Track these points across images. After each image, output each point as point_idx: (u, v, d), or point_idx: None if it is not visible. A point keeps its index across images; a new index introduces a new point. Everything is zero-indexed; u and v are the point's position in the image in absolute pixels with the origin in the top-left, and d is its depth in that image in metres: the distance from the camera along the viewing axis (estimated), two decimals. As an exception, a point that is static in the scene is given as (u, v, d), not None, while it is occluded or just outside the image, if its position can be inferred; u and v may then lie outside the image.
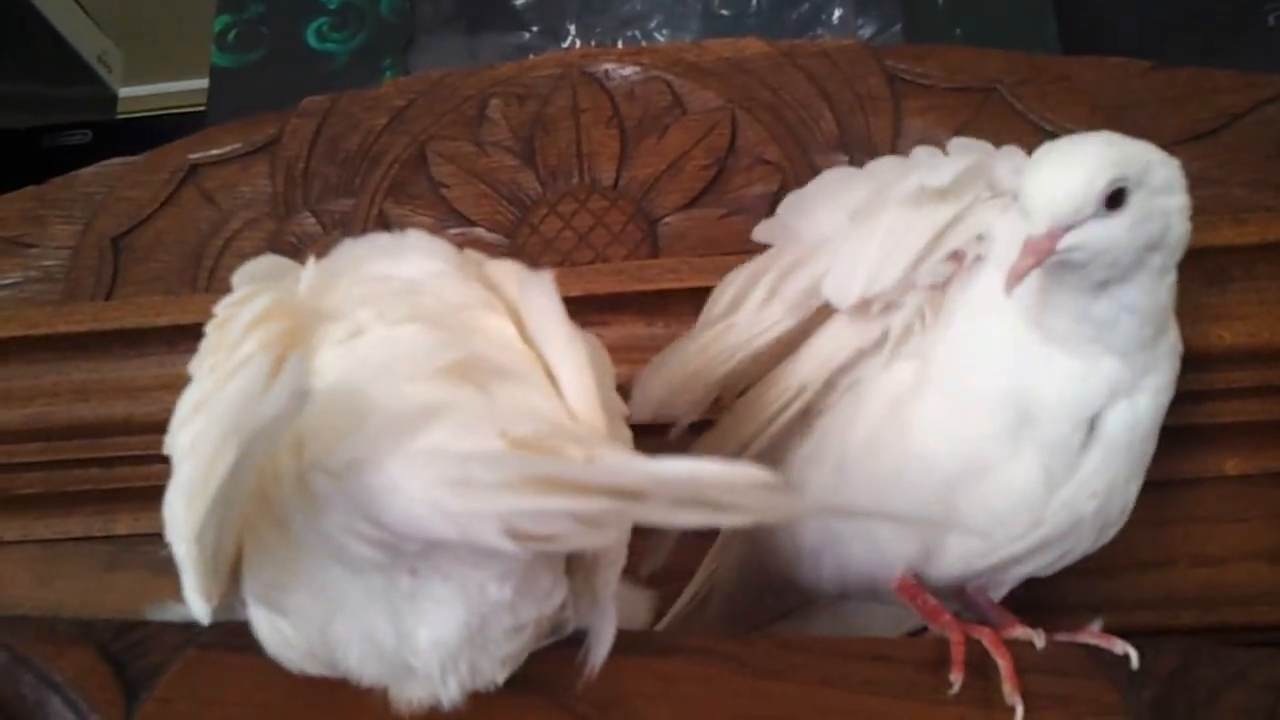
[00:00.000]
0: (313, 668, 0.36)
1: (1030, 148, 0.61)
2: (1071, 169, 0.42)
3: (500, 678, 0.36)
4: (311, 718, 0.38)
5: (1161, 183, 0.43)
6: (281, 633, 0.36)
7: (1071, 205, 0.41)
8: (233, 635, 0.37)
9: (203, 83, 1.05)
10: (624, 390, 0.43)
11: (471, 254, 0.40)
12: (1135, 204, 0.42)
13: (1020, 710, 0.40)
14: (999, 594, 0.48)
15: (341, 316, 0.34)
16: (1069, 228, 0.41)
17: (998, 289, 0.43)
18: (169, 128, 0.73)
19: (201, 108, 1.05)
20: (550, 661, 0.38)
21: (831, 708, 0.40)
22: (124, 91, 1.61)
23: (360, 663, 0.35)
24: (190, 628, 0.39)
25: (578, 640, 0.38)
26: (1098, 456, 0.45)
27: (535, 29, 1.00)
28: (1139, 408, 0.45)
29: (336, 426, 0.30)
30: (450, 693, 0.35)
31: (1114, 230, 0.42)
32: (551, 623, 0.37)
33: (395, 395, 0.31)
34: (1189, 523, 0.57)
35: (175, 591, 0.43)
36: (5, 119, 1.38)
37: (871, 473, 0.46)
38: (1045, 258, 0.41)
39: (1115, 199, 0.42)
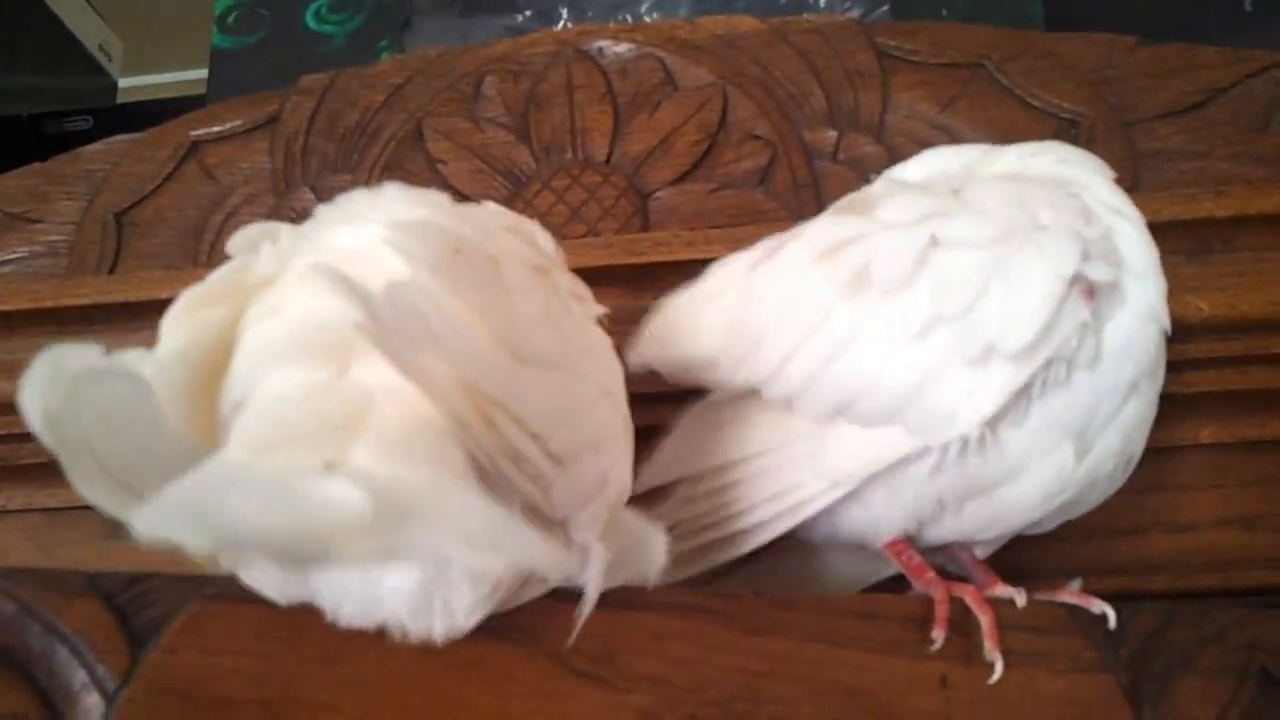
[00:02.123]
0: (292, 596, 0.36)
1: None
2: None
3: (474, 618, 0.35)
4: (316, 668, 0.38)
5: None
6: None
7: None
8: (239, 587, 0.37)
9: (202, 73, 1.06)
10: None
11: (453, 214, 0.38)
12: None
13: (1000, 666, 0.40)
14: (985, 552, 0.49)
15: (276, 289, 0.34)
16: None
17: None
18: (169, 114, 0.73)
19: (201, 95, 1.06)
20: (545, 614, 0.38)
21: (819, 662, 0.41)
22: (124, 82, 1.60)
23: (334, 605, 0.35)
24: (197, 579, 0.39)
25: (574, 594, 0.37)
26: (1134, 402, 0.45)
27: (528, 12, 1.00)
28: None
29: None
30: (434, 630, 0.35)
31: None
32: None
33: (259, 383, 0.31)
34: (1163, 490, 0.57)
35: (177, 560, 0.43)
36: (6, 107, 1.38)
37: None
38: None
39: None
